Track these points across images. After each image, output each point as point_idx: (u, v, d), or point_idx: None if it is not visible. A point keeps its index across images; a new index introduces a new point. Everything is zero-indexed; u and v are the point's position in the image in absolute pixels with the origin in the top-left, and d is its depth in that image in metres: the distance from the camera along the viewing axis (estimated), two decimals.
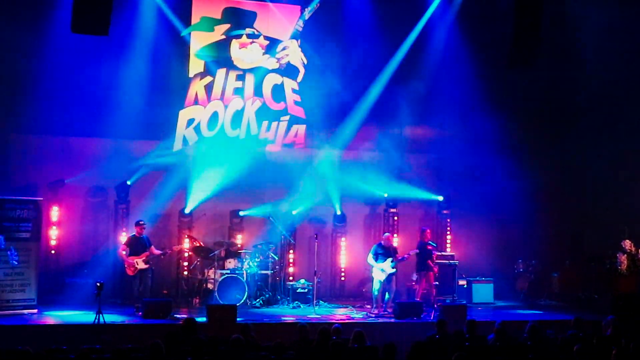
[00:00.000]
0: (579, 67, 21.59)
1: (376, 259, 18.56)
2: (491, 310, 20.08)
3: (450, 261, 20.60)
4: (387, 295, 18.63)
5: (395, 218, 22.39)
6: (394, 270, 18.62)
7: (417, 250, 19.85)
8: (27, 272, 17.24)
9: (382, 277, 18.49)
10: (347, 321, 17.19)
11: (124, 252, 18.06)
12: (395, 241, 20.81)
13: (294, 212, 21.32)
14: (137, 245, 18.01)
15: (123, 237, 19.30)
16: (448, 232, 22.57)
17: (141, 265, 17.87)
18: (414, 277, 20.76)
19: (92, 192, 20.71)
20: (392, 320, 17.69)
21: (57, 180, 19.95)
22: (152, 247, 18.21)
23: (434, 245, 20.40)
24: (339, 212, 21.98)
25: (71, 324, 16.11)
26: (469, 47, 21.84)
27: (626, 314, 16.83)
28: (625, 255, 19.37)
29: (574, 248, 22.35)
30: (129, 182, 20.35)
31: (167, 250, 18.85)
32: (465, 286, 20.87)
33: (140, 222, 18.29)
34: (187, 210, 20.78)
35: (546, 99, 22.68)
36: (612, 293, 19.37)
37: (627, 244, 19.42)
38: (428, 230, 20.29)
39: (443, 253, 21.26)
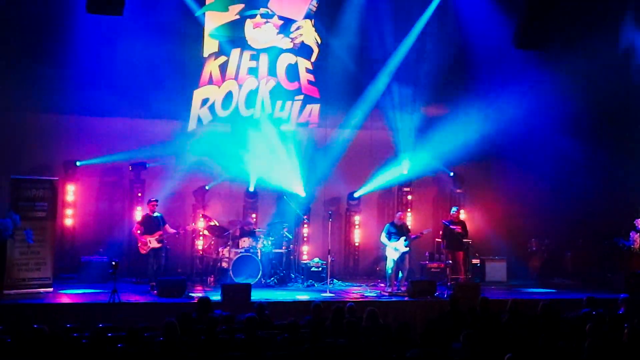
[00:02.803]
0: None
1: (389, 238, 18.52)
2: (504, 289, 20.01)
3: (464, 240, 20.48)
4: (400, 274, 18.60)
5: (409, 197, 22.36)
6: (408, 249, 18.57)
7: (430, 229, 19.82)
8: (42, 251, 17.23)
9: (396, 255, 18.45)
10: (360, 300, 17.20)
11: (137, 231, 18.08)
12: (409, 220, 20.78)
13: (303, 195, 21.26)
14: (150, 224, 18.02)
15: (138, 216, 19.32)
16: (461, 211, 22.36)
17: (154, 244, 17.89)
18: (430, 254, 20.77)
19: (107, 172, 20.69)
20: (406, 298, 17.66)
21: (73, 159, 19.95)
22: (167, 225, 18.21)
23: (447, 224, 20.28)
24: (356, 195, 21.92)
25: (86, 302, 16.15)
26: (485, 24, 21.65)
27: (639, 292, 16.72)
28: (638, 234, 19.25)
29: (587, 227, 22.20)
30: (148, 166, 20.32)
31: (181, 229, 18.85)
32: (478, 265, 20.82)
33: (153, 201, 18.30)
34: (207, 187, 20.79)
35: (562, 77, 22.52)
36: (625, 272, 19.28)
37: None
38: (458, 210, 20.16)
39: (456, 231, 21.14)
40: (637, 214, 19.49)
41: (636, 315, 12.43)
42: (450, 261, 19.38)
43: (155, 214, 18.15)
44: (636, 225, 19.29)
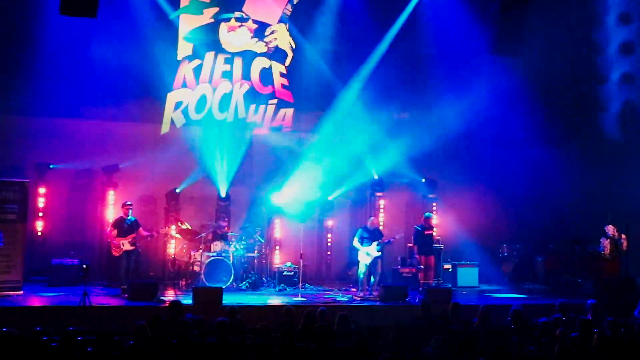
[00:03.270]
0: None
1: (362, 243, 18.53)
2: (476, 294, 20.07)
3: (436, 245, 20.54)
4: (372, 279, 18.61)
5: (381, 202, 22.36)
6: (380, 253, 18.61)
7: (402, 234, 19.89)
8: (12, 254, 17.09)
9: (368, 260, 18.47)
10: (332, 304, 17.12)
11: (111, 233, 18.00)
12: (381, 224, 20.83)
13: (276, 201, 21.23)
14: (124, 227, 17.93)
15: (110, 219, 19.23)
16: (434, 216, 22.44)
17: (127, 246, 17.80)
18: (402, 259, 20.81)
19: (79, 175, 20.56)
20: (378, 303, 17.65)
21: (44, 162, 19.82)
22: (141, 228, 18.13)
23: (419, 229, 20.33)
24: (329, 198, 21.93)
25: (56, 305, 15.98)
26: (460, 28, 21.74)
27: (609, 297, 16.82)
28: (609, 240, 19.35)
29: (558, 232, 22.31)
30: (121, 166, 20.20)
31: (154, 232, 18.77)
32: (450, 270, 20.87)
33: (127, 204, 18.20)
34: (177, 190, 20.73)
35: (534, 84, 22.64)
36: (595, 277, 19.38)
37: (611, 229, 19.40)
38: (431, 217, 20.16)
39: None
40: (607, 221, 19.58)
41: (604, 321, 12.49)
42: (423, 266, 19.40)
43: (129, 217, 18.06)
44: (606, 231, 19.40)
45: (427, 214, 20.14)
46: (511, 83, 21.99)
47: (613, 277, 18.80)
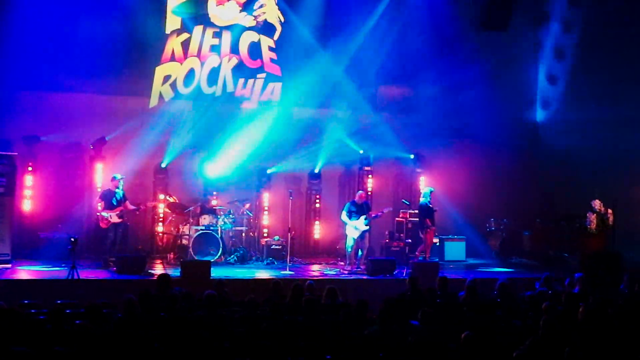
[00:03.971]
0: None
1: (350, 217, 18.57)
2: (463, 268, 20.16)
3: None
4: (360, 252, 18.66)
5: (370, 176, 22.35)
6: (367, 227, 18.67)
7: (391, 208, 19.95)
8: (1, 227, 17.10)
9: (356, 234, 18.51)
10: (320, 278, 17.22)
11: (99, 206, 17.99)
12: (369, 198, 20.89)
13: (269, 172, 21.27)
14: (111, 200, 17.93)
15: (98, 192, 19.19)
16: (420, 190, 22.44)
17: (115, 219, 17.81)
18: (390, 233, 20.87)
19: (67, 148, 20.49)
20: (365, 276, 17.72)
21: (32, 135, 19.73)
22: (127, 202, 18.12)
23: (407, 203, 20.43)
24: (316, 170, 21.93)
25: (45, 279, 16.02)
26: (447, 5, 21.72)
27: (595, 272, 16.90)
28: (595, 214, 19.43)
29: (545, 207, 22.39)
30: (106, 138, 20.12)
31: (141, 205, 18.74)
32: (437, 244, 20.87)
33: (116, 178, 18.17)
34: (163, 166, 20.65)
35: (521, 58, 22.67)
36: (582, 251, 19.47)
37: (597, 203, 19.48)
38: (433, 193, 20.15)
39: (416, 211, 21.22)
40: (594, 196, 19.64)
41: (590, 294, 12.55)
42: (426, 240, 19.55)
43: (117, 190, 18.04)
44: (593, 206, 19.47)
45: (431, 188, 20.11)
46: (498, 58, 22.03)
47: (599, 251, 18.89)
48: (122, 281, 15.92)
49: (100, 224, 17.94)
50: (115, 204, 17.91)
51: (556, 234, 21.33)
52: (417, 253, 19.51)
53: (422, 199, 19.81)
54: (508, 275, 18.02)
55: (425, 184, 21.75)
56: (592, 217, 19.43)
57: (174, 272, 16.17)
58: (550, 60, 23.38)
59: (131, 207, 18.26)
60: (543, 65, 23.71)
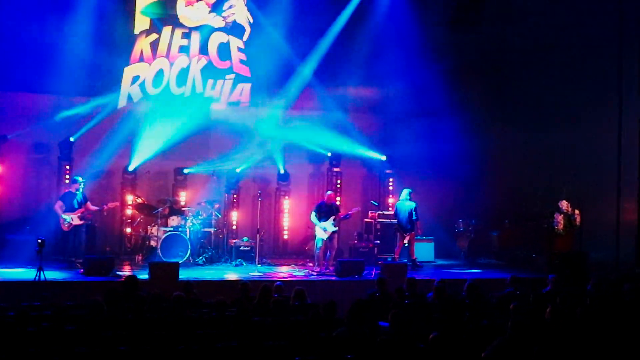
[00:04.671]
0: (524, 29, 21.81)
1: (319, 218, 18.55)
2: (431, 269, 20.17)
3: (392, 220, 20.60)
4: (328, 253, 18.64)
5: (339, 177, 22.35)
6: (336, 228, 18.65)
7: (359, 209, 19.96)
8: None
9: (325, 235, 18.49)
10: (289, 279, 17.18)
11: (59, 208, 17.88)
12: (338, 199, 20.92)
13: (237, 170, 21.23)
14: (72, 201, 17.89)
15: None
16: (390, 192, 22.56)
17: (76, 221, 17.77)
18: (359, 234, 20.86)
19: (34, 149, 20.36)
20: (334, 278, 17.69)
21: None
22: (88, 203, 18.13)
23: (376, 204, 20.44)
24: (282, 171, 21.91)
25: (11, 280, 15.82)
26: (415, 6, 21.76)
27: (562, 272, 16.97)
28: (562, 215, 19.52)
29: (513, 208, 22.45)
30: (72, 139, 19.99)
31: (103, 206, 18.64)
32: (406, 245, 20.84)
33: (79, 180, 18.10)
34: (130, 168, 20.56)
35: (490, 59, 22.74)
36: (549, 252, 19.56)
37: (564, 204, 19.56)
38: (411, 193, 20.16)
39: (385, 212, 21.29)
40: (562, 196, 19.73)
41: (559, 295, 12.60)
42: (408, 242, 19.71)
43: (78, 191, 17.97)
44: (560, 206, 19.55)
45: (409, 189, 20.18)
46: (467, 59, 22.11)
47: (566, 252, 18.99)
48: (89, 283, 15.81)
49: (62, 227, 17.87)
50: (76, 206, 17.89)
51: (524, 235, 21.43)
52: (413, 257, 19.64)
53: (409, 202, 19.82)
54: (476, 276, 18.13)
55: (394, 184, 21.81)
56: (560, 218, 19.50)
57: (142, 274, 16.05)
58: None
59: (93, 208, 18.25)
60: None
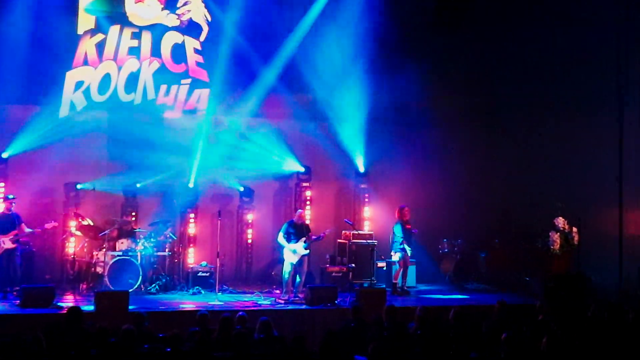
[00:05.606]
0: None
1: (288, 239, 18.42)
2: (413, 295, 20.11)
3: (368, 240, 20.54)
4: (297, 279, 18.53)
5: (309, 193, 22.31)
6: (307, 251, 18.53)
7: (332, 229, 19.89)
8: None
9: (294, 259, 18.36)
10: (253, 308, 17.10)
11: None
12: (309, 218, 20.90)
13: (190, 185, 21.21)
14: (4, 223, 17.78)
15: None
16: (366, 208, 22.54)
17: (8, 244, 17.66)
18: (331, 257, 20.88)
19: None
20: (304, 306, 17.59)
21: None
22: (23, 224, 17.98)
23: (350, 223, 20.39)
24: (241, 189, 21.85)
25: None
26: (387, 12, 21.81)
27: (558, 296, 16.98)
28: (559, 233, 19.55)
29: (503, 226, 22.48)
30: (5, 155, 19.81)
31: (38, 227, 18.48)
32: (384, 268, 20.80)
33: (9, 198, 18.02)
34: (75, 185, 20.42)
35: (474, 68, 22.85)
36: (544, 274, 19.57)
37: (561, 221, 19.61)
38: (406, 208, 20.16)
39: (360, 232, 21.17)
40: (557, 212, 19.77)
41: (554, 322, 12.57)
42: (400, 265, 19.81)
43: (10, 212, 17.88)
44: (556, 224, 19.58)
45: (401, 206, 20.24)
46: (449, 61, 22.20)
47: (563, 274, 19.00)
48: (26, 316, 15.61)
49: None
50: (8, 227, 17.74)
51: (516, 256, 21.44)
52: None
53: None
54: (463, 302, 18.12)
55: (370, 200, 21.83)
56: (555, 237, 19.54)
57: (87, 305, 15.90)
58: None
59: (27, 230, 18.09)
60: None
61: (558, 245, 19.56)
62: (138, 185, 20.95)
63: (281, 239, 18.56)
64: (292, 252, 18.38)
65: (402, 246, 19.88)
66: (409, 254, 20.05)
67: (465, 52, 22.61)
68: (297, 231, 18.54)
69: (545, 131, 21.77)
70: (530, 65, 22.05)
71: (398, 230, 19.95)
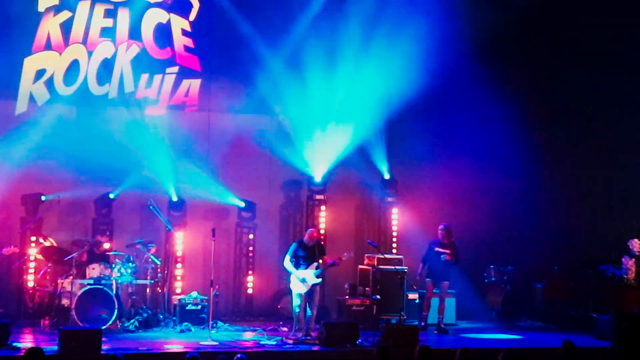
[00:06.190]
0: None
1: (296, 264, 18.32)
2: (452, 334, 20.07)
3: (397, 267, 20.43)
4: (309, 313, 18.44)
5: (323, 207, 22.29)
6: (320, 280, 18.42)
7: (352, 254, 19.78)
8: None
9: (304, 288, 18.26)
10: (255, 350, 17.05)
11: None
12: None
13: (174, 199, 21.27)
14: None
15: None
16: (394, 227, 22.50)
17: None
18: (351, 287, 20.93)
19: None
20: (317, 347, 17.54)
21: None
22: None
23: (375, 245, 20.34)
24: (242, 205, 21.88)
25: None
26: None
27: (634, 338, 16.86)
28: (634, 259, 19.47)
29: (564, 250, 22.42)
30: None
31: None
32: (417, 301, 20.80)
33: None
34: (38, 197, 20.44)
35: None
36: (616, 310, 19.45)
37: (636, 244, 19.51)
38: (448, 228, 20.28)
39: (387, 256, 21.14)
40: (632, 233, 19.68)
41: None
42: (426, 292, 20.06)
43: None
44: (631, 247, 19.50)
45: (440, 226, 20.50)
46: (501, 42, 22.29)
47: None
48: None
49: None
50: None
51: (580, 287, 21.39)
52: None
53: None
54: (515, 344, 18.07)
55: (399, 217, 21.84)
56: (630, 263, 19.49)
57: (50, 346, 15.88)
58: None
59: None
60: None
61: (633, 274, 19.51)
62: (111, 196, 20.93)
63: (288, 263, 18.45)
64: (301, 280, 18.26)
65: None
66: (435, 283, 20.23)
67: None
68: (308, 254, 18.40)
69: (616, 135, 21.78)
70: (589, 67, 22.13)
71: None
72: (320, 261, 18.41)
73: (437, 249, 20.08)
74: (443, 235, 20.21)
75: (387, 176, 22.61)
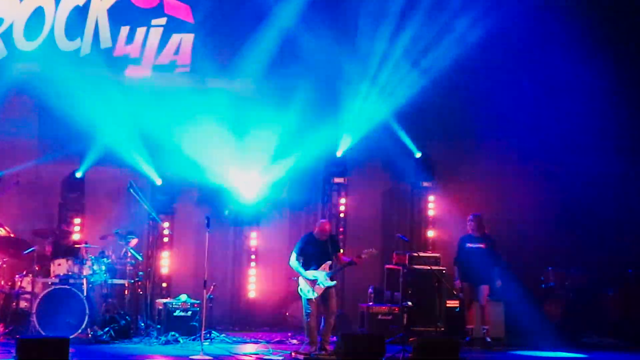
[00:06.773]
0: None
1: (306, 264, 18.19)
2: (500, 351, 20.06)
3: (433, 267, 20.50)
4: (322, 322, 18.41)
5: (343, 194, 22.29)
6: (334, 282, 18.34)
7: (375, 251, 19.72)
8: None
9: (314, 292, 18.17)
10: None
11: None
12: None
13: (158, 183, 21.28)
14: None
15: None
16: (430, 218, 22.55)
17: None
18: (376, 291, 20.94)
19: None
20: None
21: None
22: None
23: (406, 239, 20.36)
24: (244, 194, 21.92)
25: None
26: None
27: None
28: None
29: None
30: None
31: None
32: (457, 309, 20.80)
33: None
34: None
35: None
36: None
37: None
38: (478, 218, 20.36)
39: (420, 253, 21.18)
40: None
41: None
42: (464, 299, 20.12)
43: None
44: None
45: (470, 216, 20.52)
46: None
47: None
48: None
49: None
50: None
51: None
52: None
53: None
54: None
55: (436, 206, 21.86)
56: None
57: (5, 358, 15.97)
58: None
59: None
60: None
61: None
62: (78, 174, 21.01)
63: (294, 262, 18.28)
64: (311, 283, 18.18)
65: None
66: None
67: None
68: (319, 251, 18.23)
69: None
70: None
71: None
72: (335, 259, 18.37)
73: (469, 244, 20.09)
74: (473, 227, 20.28)
75: (419, 155, 22.58)
